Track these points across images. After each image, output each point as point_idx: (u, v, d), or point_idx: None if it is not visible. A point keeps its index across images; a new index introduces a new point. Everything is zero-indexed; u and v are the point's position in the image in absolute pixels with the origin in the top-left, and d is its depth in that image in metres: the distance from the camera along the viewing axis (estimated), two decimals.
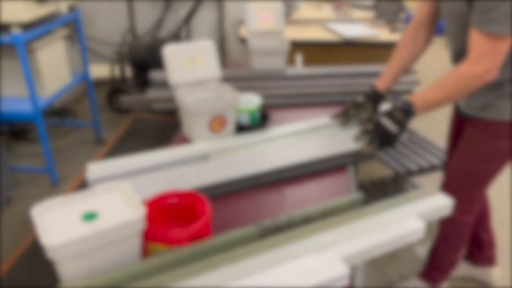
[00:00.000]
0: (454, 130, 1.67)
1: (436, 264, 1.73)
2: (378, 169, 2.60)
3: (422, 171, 2.03)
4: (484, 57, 1.21)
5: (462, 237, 1.67)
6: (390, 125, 1.32)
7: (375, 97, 1.52)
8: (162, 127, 3.38)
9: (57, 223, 0.86)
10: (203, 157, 1.31)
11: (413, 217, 1.06)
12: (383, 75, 1.53)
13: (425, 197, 1.13)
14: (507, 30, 1.16)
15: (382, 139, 1.34)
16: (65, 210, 0.89)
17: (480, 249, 1.86)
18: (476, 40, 1.21)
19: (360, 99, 1.53)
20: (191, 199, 1.03)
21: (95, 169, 1.22)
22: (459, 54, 1.37)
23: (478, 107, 1.41)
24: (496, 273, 1.92)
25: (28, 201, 2.51)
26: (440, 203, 1.11)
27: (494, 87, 1.35)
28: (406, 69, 1.54)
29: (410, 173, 2.01)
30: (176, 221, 1.05)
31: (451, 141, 1.70)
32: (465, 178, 1.51)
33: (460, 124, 1.60)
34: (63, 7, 2.43)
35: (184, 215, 1.04)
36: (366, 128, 1.38)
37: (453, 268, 1.76)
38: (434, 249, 1.72)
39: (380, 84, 1.52)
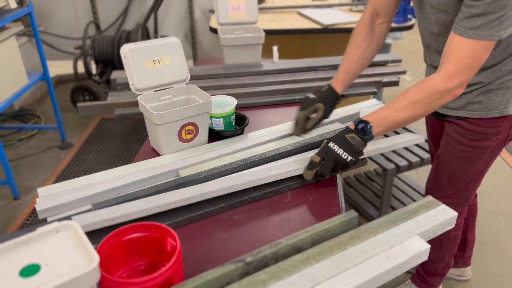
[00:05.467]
0: (432, 131, 1.54)
1: (430, 269, 1.63)
2: None
3: (411, 167, 1.91)
4: (466, 68, 1.02)
5: (455, 239, 1.58)
6: (344, 154, 1.08)
7: (329, 97, 1.26)
8: (132, 126, 3.18)
9: None
10: (172, 173, 1.15)
11: (415, 236, 0.93)
12: (338, 72, 1.30)
13: (426, 210, 1.00)
14: (502, 34, 0.99)
15: (334, 168, 1.10)
16: (0, 262, 0.72)
17: (463, 251, 1.77)
18: (462, 49, 1.01)
19: (310, 96, 1.27)
20: (158, 231, 0.87)
21: (46, 197, 1.04)
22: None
23: (459, 106, 1.27)
24: (469, 271, 1.87)
25: None
26: (443, 217, 0.98)
27: (477, 84, 1.22)
28: (364, 68, 1.32)
29: (399, 170, 1.89)
30: (141, 259, 0.89)
31: (430, 141, 1.58)
32: (453, 181, 1.40)
33: (437, 125, 1.48)
34: (11, 2, 2.18)
35: (151, 250, 0.88)
36: (312, 160, 1.11)
37: (448, 270, 1.67)
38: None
39: (336, 82, 1.28)
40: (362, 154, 1.11)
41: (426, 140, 2.01)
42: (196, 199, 1.03)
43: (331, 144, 1.10)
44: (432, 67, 1.30)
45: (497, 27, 0.97)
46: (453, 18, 1.06)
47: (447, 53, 1.04)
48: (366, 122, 1.08)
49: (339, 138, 1.10)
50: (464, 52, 1.01)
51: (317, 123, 1.25)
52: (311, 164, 1.11)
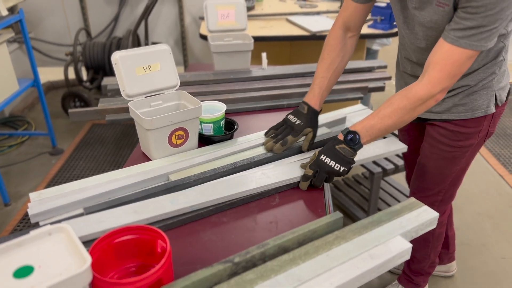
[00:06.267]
0: (408, 135, 1.57)
1: (416, 269, 1.67)
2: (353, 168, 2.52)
3: (397, 170, 1.95)
4: (449, 75, 1.06)
5: (440, 237, 1.62)
6: (336, 165, 1.12)
7: (313, 118, 1.26)
8: (123, 132, 3.19)
9: None
10: (163, 177, 1.17)
11: (398, 236, 0.97)
12: (315, 88, 1.28)
13: (409, 211, 1.04)
14: (487, 45, 1.04)
15: (327, 179, 1.14)
16: None
17: (447, 248, 1.82)
18: (449, 57, 1.05)
19: (294, 120, 1.26)
20: (149, 233, 0.89)
21: (38, 201, 1.06)
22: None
23: (443, 110, 1.32)
24: (455, 266, 1.91)
25: None
26: (425, 217, 1.02)
27: (463, 87, 1.26)
28: (337, 80, 1.32)
29: (385, 173, 1.93)
30: (133, 260, 0.91)
31: (406, 142, 1.61)
32: (438, 180, 1.44)
33: (412, 130, 1.52)
34: (2, 9, 2.19)
35: (142, 252, 0.90)
36: (305, 174, 1.15)
37: (434, 269, 1.71)
38: (412, 254, 1.64)
39: (315, 100, 1.27)
40: (354, 162, 1.15)
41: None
42: (185, 211, 1.05)
43: (322, 157, 1.13)
44: (412, 76, 1.34)
45: (486, 39, 1.02)
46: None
47: (433, 60, 1.07)
48: (354, 133, 1.11)
49: (330, 150, 1.13)
50: (450, 60, 1.05)
51: (311, 145, 1.27)
52: (305, 177, 1.15)
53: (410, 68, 1.34)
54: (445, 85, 1.08)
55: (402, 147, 1.38)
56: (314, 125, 1.27)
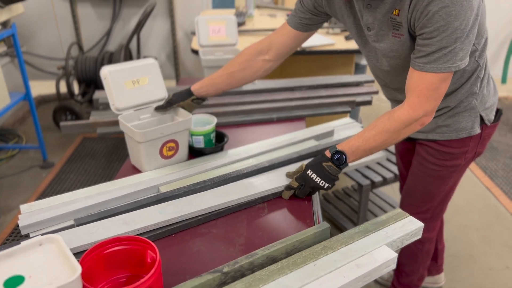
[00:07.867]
0: (401, 152, 1.61)
1: (405, 282, 1.68)
2: (342, 180, 2.55)
3: (386, 182, 1.98)
4: (428, 99, 1.08)
5: (429, 252, 1.65)
6: (321, 182, 1.14)
7: (188, 95, 1.39)
8: (114, 145, 3.20)
9: None
10: (153, 189, 1.19)
11: (383, 246, 0.99)
12: (204, 80, 1.40)
13: (394, 222, 1.06)
14: (459, 65, 1.05)
15: (310, 192, 1.18)
16: None
17: (435, 260, 1.84)
18: (421, 83, 1.07)
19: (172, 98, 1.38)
20: (138, 243, 0.90)
21: (28, 213, 1.06)
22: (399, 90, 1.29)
23: (428, 130, 1.35)
24: (443, 278, 1.93)
25: None
26: (410, 227, 1.04)
27: (444, 108, 1.29)
28: (230, 87, 1.40)
29: (374, 185, 1.96)
30: (122, 271, 0.92)
31: (399, 159, 1.65)
32: (427, 198, 1.47)
33: (406, 143, 1.55)
34: None
35: (132, 263, 0.91)
36: (290, 184, 1.18)
37: (422, 282, 1.72)
38: (401, 268, 1.67)
39: (195, 88, 1.39)
40: (338, 179, 1.17)
41: (388, 159, 2.09)
42: (174, 221, 1.07)
43: (309, 172, 1.15)
44: (395, 101, 1.37)
45: (453, 59, 1.04)
46: (407, 61, 1.13)
47: (409, 87, 1.10)
48: (341, 153, 1.14)
49: (317, 166, 1.15)
50: (423, 85, 1.07)
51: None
52: (290, 187, 1.18)
53: (389, 94, 1.39)
54: (428, 109, 1.09)
55: (381, 156, 1.41)
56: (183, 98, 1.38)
